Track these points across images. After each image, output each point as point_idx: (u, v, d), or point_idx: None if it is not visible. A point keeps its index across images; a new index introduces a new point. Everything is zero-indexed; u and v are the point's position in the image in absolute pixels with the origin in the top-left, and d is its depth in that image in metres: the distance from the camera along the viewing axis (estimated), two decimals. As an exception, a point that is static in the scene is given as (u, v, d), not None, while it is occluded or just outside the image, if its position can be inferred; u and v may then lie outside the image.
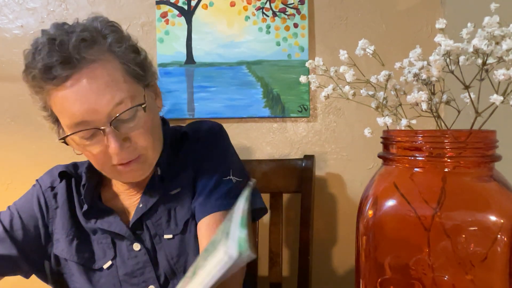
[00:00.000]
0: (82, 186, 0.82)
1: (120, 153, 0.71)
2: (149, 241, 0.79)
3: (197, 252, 0.78)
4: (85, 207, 0.81)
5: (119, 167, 0.74)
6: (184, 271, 0.78)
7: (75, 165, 0.88)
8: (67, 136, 0.71)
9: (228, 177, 0.80)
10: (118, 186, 0.85)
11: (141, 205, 0.80)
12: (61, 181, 0.85)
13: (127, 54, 0.74)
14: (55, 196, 0.84)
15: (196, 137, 0.85)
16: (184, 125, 0.92)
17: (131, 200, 0.84)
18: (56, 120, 0.76)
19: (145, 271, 0.78)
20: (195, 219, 0.79)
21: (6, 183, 1.30)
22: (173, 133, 0.88)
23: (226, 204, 0.76)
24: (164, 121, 0.90)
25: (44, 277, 0.85)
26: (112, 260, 0.79)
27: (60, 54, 0.67)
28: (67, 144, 0.76)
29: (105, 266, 0.79)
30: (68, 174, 0.85)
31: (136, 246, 0.79)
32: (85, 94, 0.68)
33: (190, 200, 0.80)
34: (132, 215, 0.81)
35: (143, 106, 0.72)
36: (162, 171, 0.81)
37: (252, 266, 1.11)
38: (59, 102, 0.70)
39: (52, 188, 0.85)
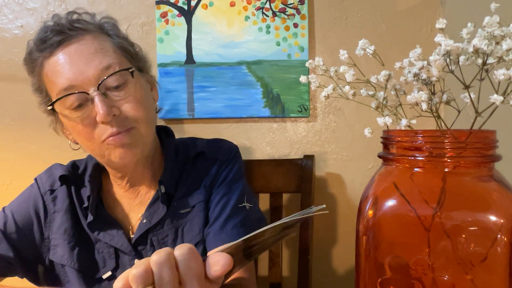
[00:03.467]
0: (87, 198, 0.79)
1: (110, 121, 0.69)
2: None
3: None
4: (90, 218, 0.78)
5: (109, 139, 0.71)
6: None
7: (74, 165, 0.86)
8: (56, 101, 0.71)
9: (243, 204, 0.79)
10: (117, 189, 0.84)
11: (144, 221, 0.78)
12: (61, 185, 0.83)
13: (117, 32, 0.78)
14: (54, 199, 0.82)
15: (214, 158, 0.83)
16: (189, 136, 0.91)
17: (133, 210, 0.82)
18: (51, 106, 0.75)
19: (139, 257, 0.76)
20: (204, 244, 0.77)
21: (6, 183, 1.30)
22: (184, 149, 0.85)
23: (242, 233, 0.75)
24: (168, 133, 0.89)
25: (35, 280, 0.82)
26: (112, 271, 0.78)
27: (53, 28, 0.73)
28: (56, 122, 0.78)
29: (104, 276, 0.78)
30: (69, 178, 0.83)
31: None
32: (75, 58, 0.71)
33: (200, 222, 0.78)
34: (135, 229, 0.79)
35: (130, 70, 0.73)
36: (167, 188, 0.79)
37: (252, 266, 1.11)
38: (51, 69, 0.72)
39: (52, 191, 0.83)
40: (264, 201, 1.12)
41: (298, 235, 1.08)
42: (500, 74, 0.41)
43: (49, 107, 0.73)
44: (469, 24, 0.46)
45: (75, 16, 0.76)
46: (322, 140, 1.23)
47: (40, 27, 0.75)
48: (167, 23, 1.23)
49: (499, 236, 0.44)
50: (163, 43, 1.23)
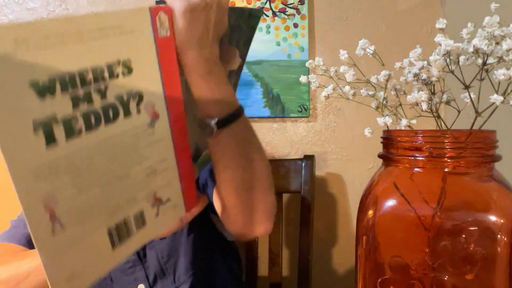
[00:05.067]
0: None
1: None
2: None
3: (188, 252, 0.79)
4: None
5: None
6: (174, 271, 0.78)
7: None
8: None
9: None
10: None
11: None
12: None
13: None
14: None
15: None
16: None
17: None
18: None
19: (135, 270, 0.79)
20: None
21: (6, 183, 1.30)
22: None
23: None
24: None
25: None
26: None
27: None
28: None
29: None
30: None
31: None
32: None
33: None
34: None
35: None
36: None
37: (252, 266, 1.11)
38: None
39: None
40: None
41: (298, 235, 1.08)
42: (500, 74, 0.41)
43: None
44: (469, 24, 0.46)
45: None
46: (322, 140, 1.23)
47: None
48: (167, 23, 1.23)
49: (499, 236, 0.44)
50: (163, 43, 1.23)
